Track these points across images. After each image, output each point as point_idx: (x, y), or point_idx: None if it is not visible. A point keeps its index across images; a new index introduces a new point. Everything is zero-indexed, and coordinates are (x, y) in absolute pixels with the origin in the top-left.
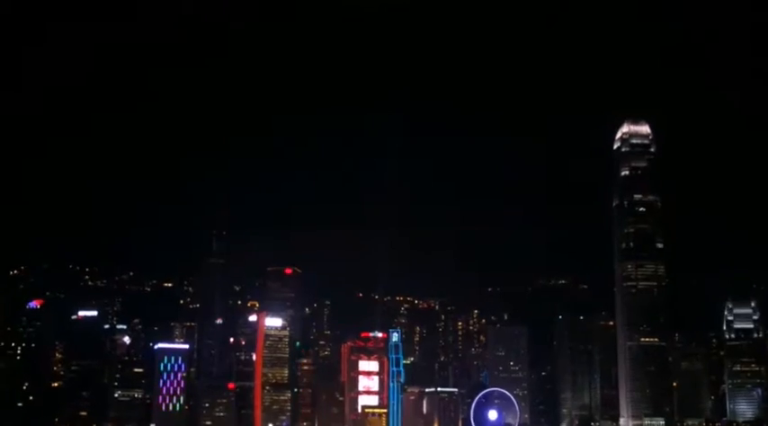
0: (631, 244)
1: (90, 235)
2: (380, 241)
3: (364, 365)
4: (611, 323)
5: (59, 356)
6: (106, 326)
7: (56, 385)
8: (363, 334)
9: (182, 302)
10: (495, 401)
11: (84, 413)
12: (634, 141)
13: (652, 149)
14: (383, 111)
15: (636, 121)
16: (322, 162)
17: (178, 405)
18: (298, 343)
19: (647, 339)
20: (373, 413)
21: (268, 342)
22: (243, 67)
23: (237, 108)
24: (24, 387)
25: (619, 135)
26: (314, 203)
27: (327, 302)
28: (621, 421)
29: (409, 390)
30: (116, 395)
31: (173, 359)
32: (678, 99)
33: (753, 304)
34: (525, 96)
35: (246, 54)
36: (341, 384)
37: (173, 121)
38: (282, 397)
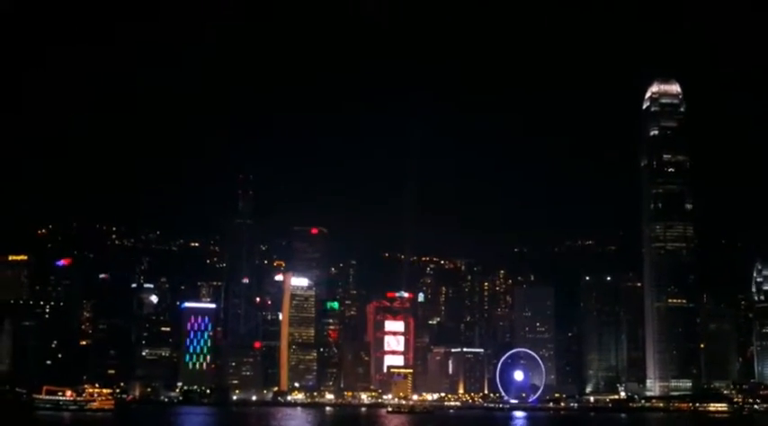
0: (660, 204)
1: (117, 195)
2: (407, 201)
3: (390, 325)
4: (639, 284)
5: (87, 315)
6: (133, 285)
7: (84, 343)
8: (389, 294)
9: (208, 261)
10: (521, 361)
11: (112, 371)
12: (664, 100)
13: (682, 109)
14: (409, 77)
15: (666, 80)
16: (349, 123)
17: (205, 364)
18: (329, 303)
19: (674, 300)
20: (399, 373)
21: (294, 302)
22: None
23: (265, 68)
24: (53, 345)
25: (648, 94)
26: (341, 163)
27: (353, 262)
28: (648, 382)
29: (435, 350)
30: (143, 354)
31: (199, 318)
32: (709, 57)
33: None
34: (553, 53)
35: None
36: (366, 344)
37: (203, 80)
38: (308, 357)
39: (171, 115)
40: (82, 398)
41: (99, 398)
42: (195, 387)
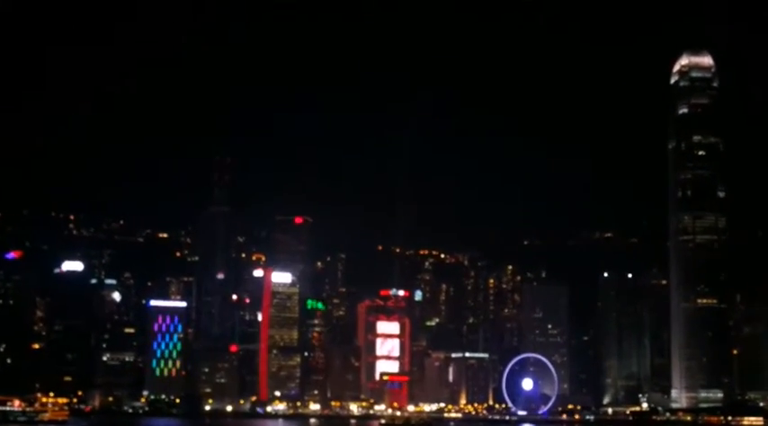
0: (689, 192)
1: (76, 180)
2: (403, 187)
3: (383, 326)
4: (664, 281)
5: (41, 314)
6: (93, 281)
7: (37, 346)
8: (383, 292)
9: (178, 254)
10: (531, 368)
11: (68, 378)
12: (694, 74)
13: (715, 84)
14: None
15: (696, 51)
16: (337, 98)
17: (174, 370)
18: (310, 302)
19: (704, 300)
20: (393, 381)
21: (275, 300)
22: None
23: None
24: (1, 349)
25: (676, 67)
26: (328, 144)
27: (342, 255)
28: (674, 393)
29: (434, 355)
30: (104, 359)
31: (168, 318)
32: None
33: None
34: (568, 24)
35: None
36: (357, 348)
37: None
38: (291, 362)
39: (140, 95)
40: (32, 408)
41: (53, 408)
42: (163, 396)
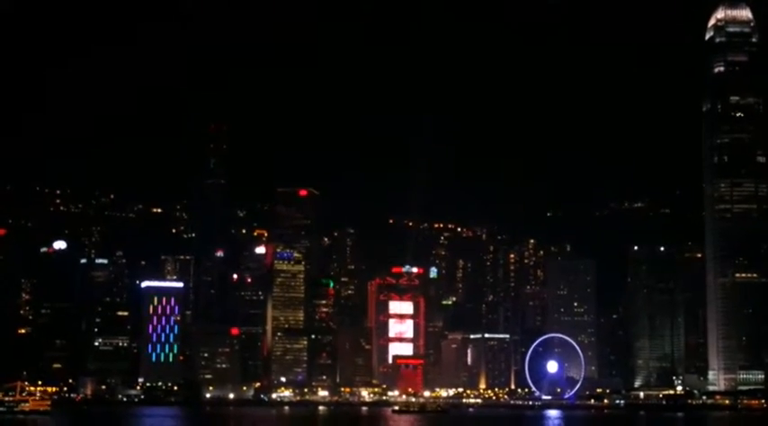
0: (725, 157)
1: (62, 152)
2: (417, 154)
3: (396, 306)
4: (699, 255)
5: (27, 297)
6: (83, 260)
7: (23, 331)
8: (395, 269)
9: (174, 231)
10: (556, 350)
11: (57, 366)
12: (731, 29)
13: (754, 39)
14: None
15: (734, 4)
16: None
17: (171, 355)
18: (322, 281)
19: (743, 274)
20: (407, 365)
21: (279, 279)
22: None
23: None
24: None
25: (712, 22)
26: (335, 107)
27: (351, 230)
28: (711, 374)
29: (450, 336)
30: (96, 344)
31: (164, 299)
32: None
33: None
34: None
35: None
36: (368, 329)
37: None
38: (297, 345)
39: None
40: (11, 398)
41: (35, 398)
42: (159, 384)
